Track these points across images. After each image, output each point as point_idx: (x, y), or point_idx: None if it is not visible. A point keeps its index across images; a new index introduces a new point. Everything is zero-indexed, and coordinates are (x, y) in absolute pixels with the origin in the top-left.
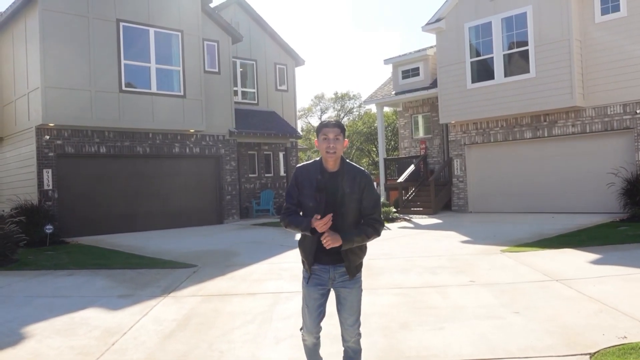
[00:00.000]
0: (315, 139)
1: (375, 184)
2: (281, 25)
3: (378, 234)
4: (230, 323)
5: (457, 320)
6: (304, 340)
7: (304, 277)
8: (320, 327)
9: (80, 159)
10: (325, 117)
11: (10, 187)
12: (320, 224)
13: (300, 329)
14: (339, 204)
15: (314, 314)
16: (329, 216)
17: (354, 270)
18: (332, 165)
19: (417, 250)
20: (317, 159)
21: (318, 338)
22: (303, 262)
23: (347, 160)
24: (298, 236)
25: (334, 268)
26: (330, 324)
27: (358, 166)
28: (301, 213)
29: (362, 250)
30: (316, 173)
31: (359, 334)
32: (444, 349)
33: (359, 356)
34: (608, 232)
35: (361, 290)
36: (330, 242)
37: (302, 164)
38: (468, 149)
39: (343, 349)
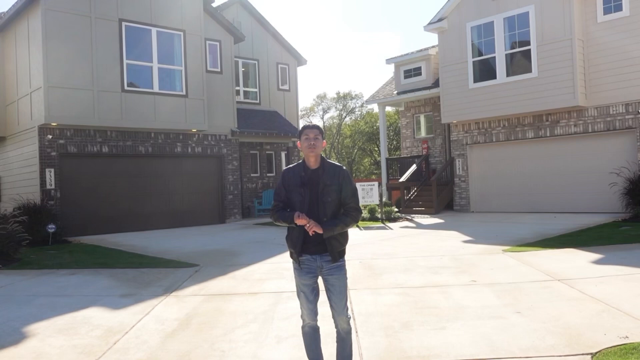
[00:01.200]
0: (298, 141)
1: (376, 183)
2: (283, 25)
3: (356, 220)
4: (232, 322)
5: (459, 320)
6: (303, 328)
7: (295, 269)
8: (317, 309)
9: (83, 159)
10: (327, 117)
11: (12, 186)
12: (301, 222)
13: (302, 316)
14: (320, 194)
15: (310, 296)
16: (303, 218)
17: (337, 255)
18: (313, 162)
19: (419, 250)
20: (300, 161)
21: (316, 321)
22: (292, 253)
23: (327, 159)
24: None
25: (320, 257)
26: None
27: (336, 163)
28: (289, 209)
29: (344, 237)
30: (300, 171)
31: (349, 316)
32: (446, 349)
33: (349, 335)
34: (610, 232)
35: (346, 277)
36: (313, 228)
37: (287, 167)
38: (470, 148)
39: (335, 331)
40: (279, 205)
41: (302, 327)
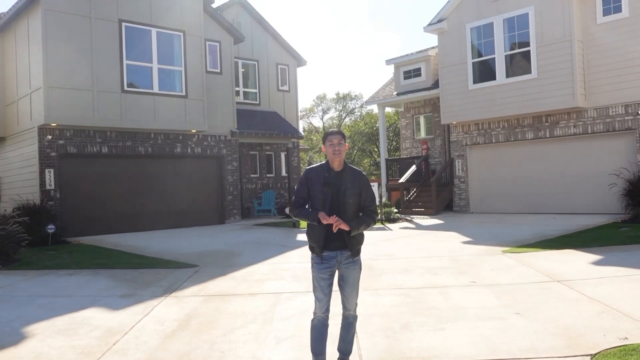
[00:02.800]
0: (323, 146)
1: (376, 184)
2: (283, 26)
3: (374, 222)
4: (232, 323)
5: (458, 321)
6: (313, 320)
7: (315, 262)
8: (330, 304)
9: (83, 159)
10: (326, 118)
11: (12, 186)
12: (326, 221)
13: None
14: (342, 196)
15: (325, 289)
16: (334, 217)
17: (356, 252)
18: (337, 165)
19: (418, 251)
20: (324, 162)
21: (327, 315)
22: (312, 247)
23: (349, 165)
24: (299, 237)
25: (340, 253)
26: (335, 323)
27: (357, 169)
28: (308, 205)
29: (362, 236)
30: (324, 172)
31: (357, 304)
32: (445, 350)
33: (355, 321)
34: (610, 233)
35: (361, 269)
36: (340, 225)
37: (310, 166)
38: (469, 149)
39: (343, 316)
40: (299, 201)
41: (312, 320)
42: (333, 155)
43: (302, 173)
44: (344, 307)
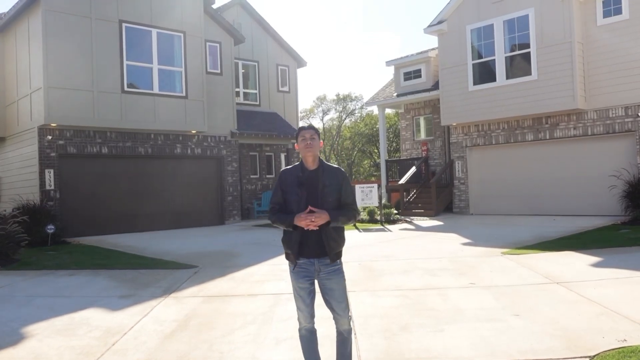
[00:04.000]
0: (296, 143)
1: (375, 185)
2: (283, 27)
3: (355, 219)
4: (231, 324)
5: (457, 322)
6: (300, 331)
7: (291, 271)
8: (314, 312)
9: (82, 159)
10: (326, 119)
11: (12, 187)
12: (300, 219)
13: (298, 319)
14: (320, 193)
15: (306, 298)
16: (306, 211)
17: (334, 257)
18: (311, 162)
19: (417, 252)
20: (297, 163)
21: (313, 323)
22: (287, 254)
23: (325, 162)
24: None
25: (318, 261)
26: (330, 326)
27: (335, 165)
28: (286, 210)
29: (341, 238)
30: (297, 172)
31: (350, 316)
32: (444, 352)
33: (350, 335)
34: (609, 235)
35: (344, 278)
36: (318, 219)
37: (284, 168)
38: (469, 151)
39: (337, 331)
40: (275, 207)
41: (299, 330)
42: (305, 150)
43: None
44: (336, 322)
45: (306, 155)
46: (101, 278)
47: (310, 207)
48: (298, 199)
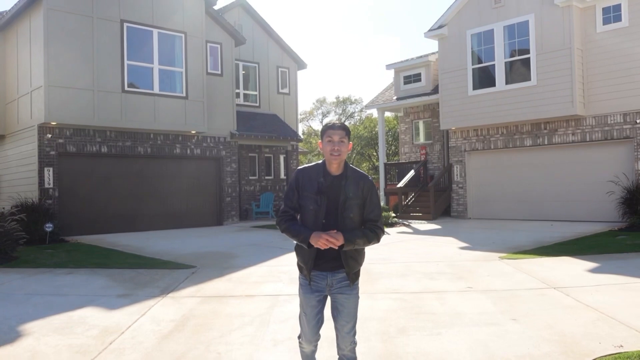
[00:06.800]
0: (319, 141)
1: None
2: (284, 29)
3: (378, 239)
4: (228, 325)
5: (454, 326)
6: (301, 347)
7: (301, 284)
8: (319, 336)
9: (82, 158)
10: (326, 121)
11: (11, 184)
12: (318, 241)
13: (299, 337)
14: (340, 207)
15: (312, 321)
16: (330, 232)
17: (354, 277)
18: (335, 168)
19: (415, 256)
20: (320, 161)
21: (316, 346)
22: (300, 267)
23: (350, 165)
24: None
25: (332, 274)
26: (329, 327)
27: (361, 171)
28: (299, 216)
29: (361, 256)
30: (318, 176)
31: (355, 342)
32: (442, 355)
33: None
34: (607, 241)
35: (358, 297)
36: (333, 243)
37: (303, 166)
38: (468, 155)
39: (339, 356)
40: (289, 212)
41: (299, 344)
42: (331, 156)
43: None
44: (338, 346)
45: (331, 161)
46: (99, 277)
47: (333, 232)
48: (317, 208)
